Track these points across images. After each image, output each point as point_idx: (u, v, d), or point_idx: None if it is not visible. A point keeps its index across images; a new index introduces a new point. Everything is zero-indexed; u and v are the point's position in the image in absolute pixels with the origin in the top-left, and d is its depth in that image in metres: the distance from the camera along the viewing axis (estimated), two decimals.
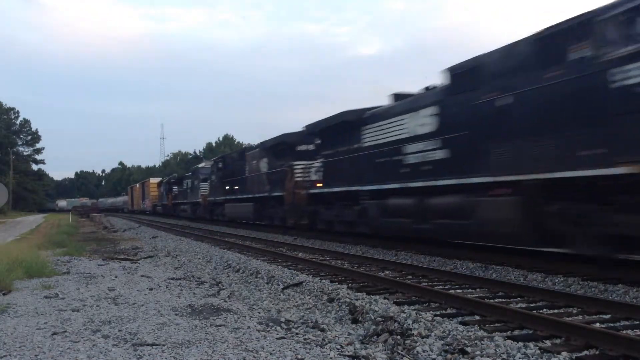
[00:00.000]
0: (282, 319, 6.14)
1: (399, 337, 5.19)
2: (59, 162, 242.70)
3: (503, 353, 4.58)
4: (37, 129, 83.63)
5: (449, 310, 6.49)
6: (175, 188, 45.92)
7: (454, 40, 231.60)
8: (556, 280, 8.30)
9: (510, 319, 5.76)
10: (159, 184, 54.21)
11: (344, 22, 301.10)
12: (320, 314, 6.64)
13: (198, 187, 36.28)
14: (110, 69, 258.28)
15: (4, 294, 7.67)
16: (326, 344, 5.06)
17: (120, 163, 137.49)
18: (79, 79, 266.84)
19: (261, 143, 24.02)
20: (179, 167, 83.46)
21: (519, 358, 4.50)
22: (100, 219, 46.15)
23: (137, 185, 68.64)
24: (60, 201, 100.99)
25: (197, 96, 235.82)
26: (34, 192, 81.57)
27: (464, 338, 4.95)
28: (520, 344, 4.77)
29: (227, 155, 32.14)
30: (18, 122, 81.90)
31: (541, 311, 6.21)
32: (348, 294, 7.27)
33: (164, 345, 4.86)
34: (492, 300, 6.85)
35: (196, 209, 37.50)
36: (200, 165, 39.85)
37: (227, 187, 28.81)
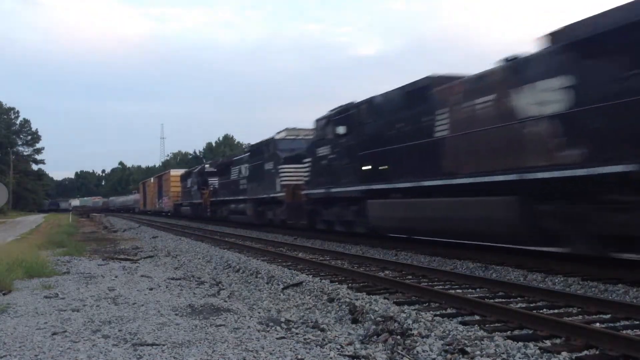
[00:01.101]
0: (282, 319, 6.14)
1: (399, 337, 5.19)
2: (59, 162, 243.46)
3: (503, 353, 4.58)
4: (37, 129, 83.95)
5: (449, 310, 6.49)
6: (213, 180, 32.27)
7: (454, 40, 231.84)
8: (556, 280, 8.30)
9: (510, 319, 5.76)
10: (183, 177, 40.95)
11: (344, 22, 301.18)
12: (320, 314, 6.64)
13: (275, 173, 21.63)
14: (110, 68, 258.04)
15: (4, 294, 7.67)
16: (326, 344, 5.06)
17: (120, 163, 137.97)
18: (79, 79, 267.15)
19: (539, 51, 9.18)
20: (179, 167, 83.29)
21: (519, 358, 4.50)
22: (100, 218, 46.07)
23: (152, 180, 55.05)
24: (74, 200, 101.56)
25: (197, 96, 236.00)
26: (34, 192, 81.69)
27: (464, 338, 4.95)
28: (520, 344, 4.78)
29: (358, 105, 15.16)
30: (18, 122, 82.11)
31: (541, 311, 6.21)
32: (348, 293, 7.27)
33: (164, 345, 4.86)
34: (492, 300, 6.85)
35: (266, 211, 22.96)
36: (277, 137, 22.81)
37: (367, 168, 14.19)
